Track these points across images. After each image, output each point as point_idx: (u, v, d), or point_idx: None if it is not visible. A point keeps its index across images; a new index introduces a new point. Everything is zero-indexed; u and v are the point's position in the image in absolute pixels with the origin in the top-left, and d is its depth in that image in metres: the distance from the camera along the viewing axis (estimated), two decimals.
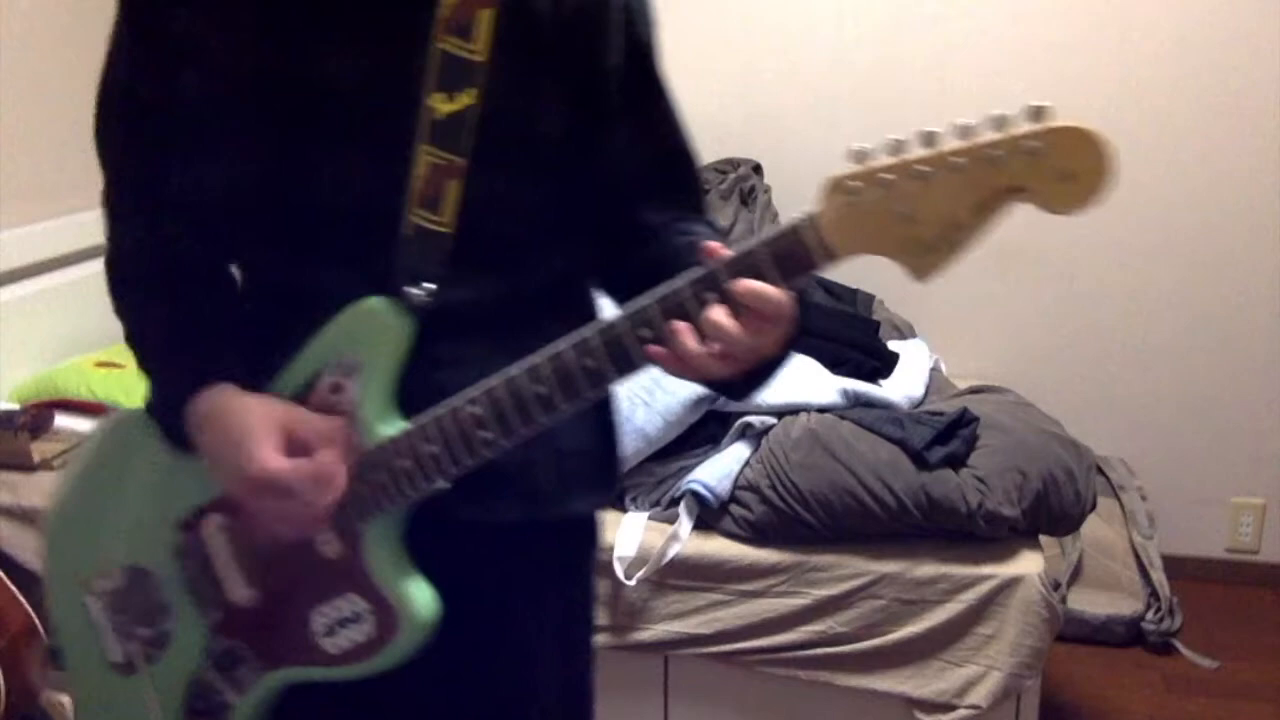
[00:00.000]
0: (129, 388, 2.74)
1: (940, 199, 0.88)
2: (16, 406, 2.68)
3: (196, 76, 1.07)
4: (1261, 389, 3.13)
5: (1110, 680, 2.77)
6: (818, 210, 0.92)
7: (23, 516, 2.43)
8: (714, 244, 0.96)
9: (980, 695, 2.15)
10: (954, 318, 3.23)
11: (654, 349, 0.96)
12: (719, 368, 0.96)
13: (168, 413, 1.14)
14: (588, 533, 1.30)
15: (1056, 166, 0.87)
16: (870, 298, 3.12)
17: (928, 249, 0.90)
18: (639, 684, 2.33)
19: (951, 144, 0.88)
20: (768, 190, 3.20)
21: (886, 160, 0.89)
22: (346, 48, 1.05)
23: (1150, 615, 2.89)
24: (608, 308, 1.17)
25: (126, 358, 3.08)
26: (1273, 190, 3.01)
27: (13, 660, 2.20)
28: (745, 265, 0.94)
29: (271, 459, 1.02)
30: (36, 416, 2.59)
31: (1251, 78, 2.97)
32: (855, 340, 2.75)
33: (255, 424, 1.04)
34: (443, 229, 1.05)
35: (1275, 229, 3.04)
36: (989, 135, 0.87)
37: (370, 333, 1.07)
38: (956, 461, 2.24)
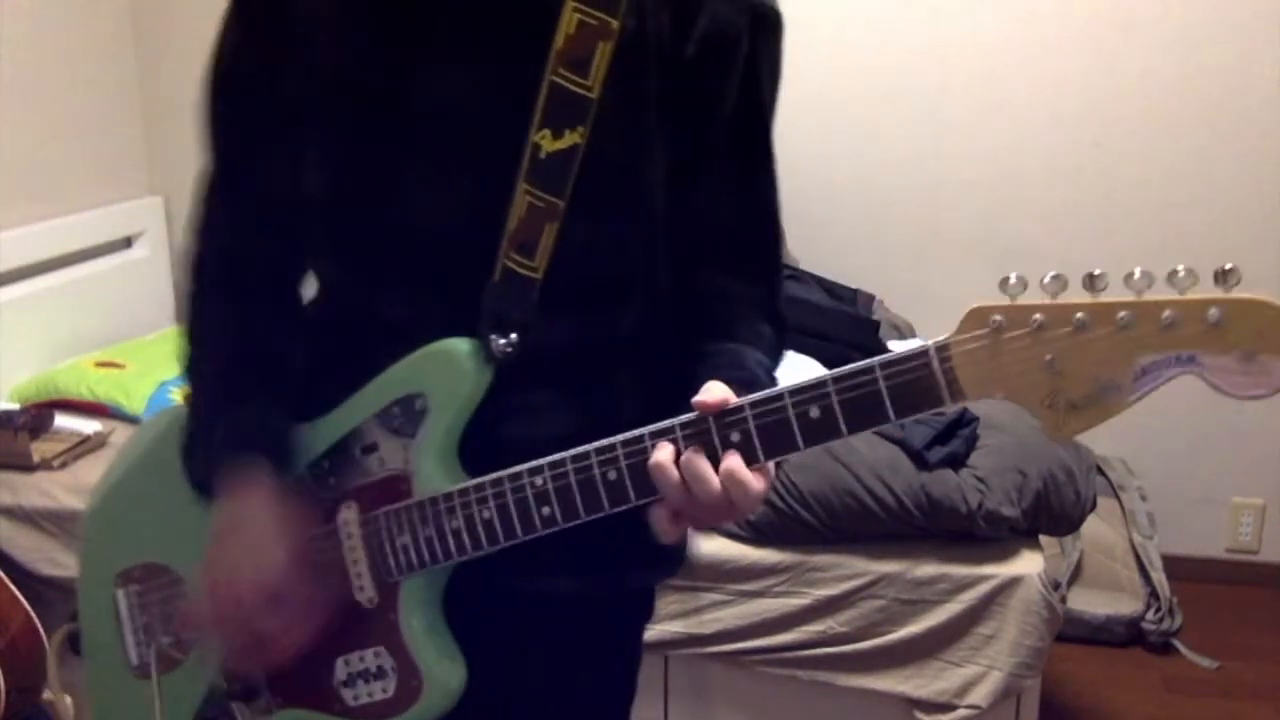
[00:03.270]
0: (129, 388, 2.74)
1: (1097, 355, 0.78)
2: (16, 406, 2.68)
3: (301, 72, 1.02)
4: None
5: (1110, 680, 2.77)
6: (951, 340, 0.84)
7: (23, 516, 2.43)
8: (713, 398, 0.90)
9: (980, 695, 2.15)
10: (954, 318, 3.21)
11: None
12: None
13: (196, 462, 1.10)
14: (644, 606, 1.24)
15: (1237, 343, 0.75)
16: (870, 298, 3.12)
17: (1071, 407, 0.80)
18: (639, 684, 2.33)
19: (1119, 296, 0.78)
20: None
21: (1041, 300, 0.80)
22: (456, 68, 1.00)
23: (1150, 615, 2.88)
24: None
25: (126, 357, 3.11)
26: (1272, 190, 3.01)
27: (13, 660, 2.20)
28: (855, 389, 0.86)
29: (256, 591, 1.01)
30: (36, 416, 2.59)
31: (1251, 77, 2.97)
32: (855, 340, 2.75)
33: (265, 558, 1.02)
34: (533, 274, 1.00)
35: (1275, 228, 3.04)
36: (1163, 294, 0.77)
37: (446, 376, 1.01)
38: (956, 461, 2.24)
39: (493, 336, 1.00)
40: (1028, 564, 2.18)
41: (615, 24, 0.97)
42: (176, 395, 2.75)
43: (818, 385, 0.87)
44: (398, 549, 1.02)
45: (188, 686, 1.15)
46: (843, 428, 0.87)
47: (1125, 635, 2.88)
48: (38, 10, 2.96)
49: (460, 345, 1.01)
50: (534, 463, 0.97)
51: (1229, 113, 3.00)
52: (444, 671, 1.03)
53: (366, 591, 1.05)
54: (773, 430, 0.89)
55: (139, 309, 3.26)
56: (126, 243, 3.28)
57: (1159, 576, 2.94)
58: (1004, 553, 2.20)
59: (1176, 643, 2.87)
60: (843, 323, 2.82)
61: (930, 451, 2.22)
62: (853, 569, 2.20)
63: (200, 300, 1.13)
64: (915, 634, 2.18)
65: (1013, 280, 0.81)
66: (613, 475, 0.94)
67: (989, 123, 3.12)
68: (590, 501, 0.95)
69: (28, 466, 2.48)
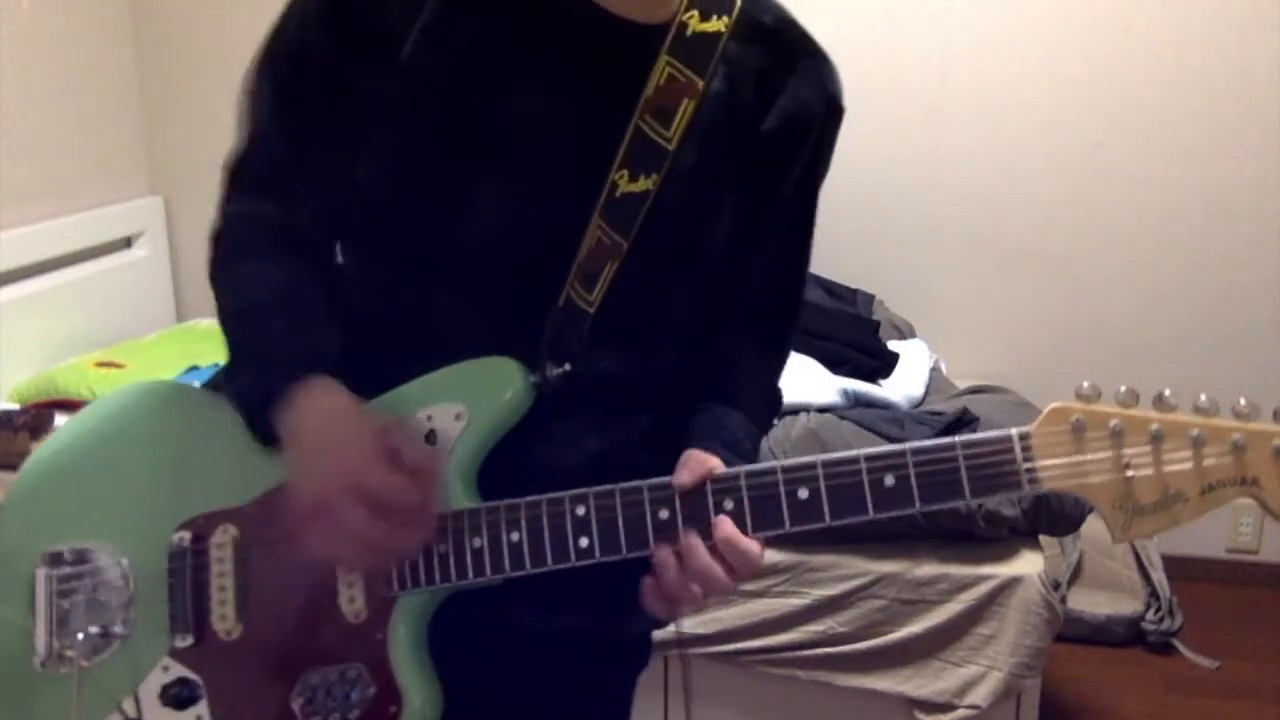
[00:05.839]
0: None
1: (1168, 467, 0.85)
2: (16, 406, 2.68)
3: (381, 74, 0.99)
4: (1262, 389, 3.12)
5: (1110, 680, 2.77)
6: (1033, 430, 0.88)
7: None
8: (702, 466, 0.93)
9: (980, 695, 2.15)
10: (954, 318, 3.23)
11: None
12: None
13: (259, 392, 0.99)
14: (641, 651, 1.24)
15: None
16: (870, 298, 3.12)
17: (1139, 512, 0.86)
18: (639, 684, 2.33)
19: (1189, 416, 0.85)
20: None
21: (1118, 409, 0.86)
22: (551, 97, 1.00)
23: (1150, 615, 2.88)
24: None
25: (126, 358, 3.10)
26: (1273, 189, 3.01)
27: None
28: (933, 463, 0.89)
29: (377, 469, 0.91)
30: (36, 416, 2.59)
31: (1251, 77, 2.97)
32: (855, 340, 2.75)
33: (364, 429, 0.93)
34: (587, 307, 1.01)
35: (1275, 228, 3.04)
36: (1232, 420, 0.85)
37: (490, 394, 0.99)
38: None
39: (548, 363, 1.01)
40: (1028, 564, 2.18)
41: (701, 84, 1.01)
42: None
43: (895, 455, 0.90)
44: (404, 562, 0.97)
45: (101, 690, 1.03)
46: (916, 499, 0.90)
47: (1125, 635, 2.88)
48: (38, 10, 2.96)
49: (512, 365, 0.99)
50: (576, 490, 0.95)
51: (1229, 113, 3.00)
52: (427, 700, 0.97)
53: (356, 604, 0.98)
54: (844, 493, 0.91)
55: (139, 309, 3.27)
56: (126, 243, 3.29)
57: (1159, 576, 2.94)
58: (1004, 553, 2.20)
59: (1176, 643, 2.87)
60: (843, 322, 2.83)
61: None
62: (853, 569, 2.20)
63: (230, 267, 1.06)
64: (915, 634, 2.18)
65: (1085, 387, 0.87)
66: (664, 514, 0.93)
67: (989, 122, 3.12)
68: (635, 538, 0.94)
69: None
